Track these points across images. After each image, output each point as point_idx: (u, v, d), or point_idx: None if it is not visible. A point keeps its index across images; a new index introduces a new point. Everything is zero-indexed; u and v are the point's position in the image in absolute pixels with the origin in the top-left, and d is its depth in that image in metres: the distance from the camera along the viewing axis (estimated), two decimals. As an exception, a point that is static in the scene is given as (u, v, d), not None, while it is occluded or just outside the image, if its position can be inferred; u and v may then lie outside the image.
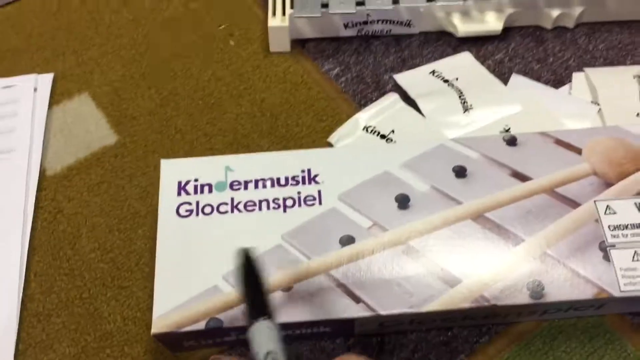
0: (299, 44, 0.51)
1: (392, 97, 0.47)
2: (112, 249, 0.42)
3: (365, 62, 0.50)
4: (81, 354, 0.38)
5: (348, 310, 0.35)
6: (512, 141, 0.40)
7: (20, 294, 0.40)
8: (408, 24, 0.50)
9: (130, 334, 0.39)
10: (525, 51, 0.50)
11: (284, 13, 0.49)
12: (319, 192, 0.38)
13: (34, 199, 0.43)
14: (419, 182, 0.38)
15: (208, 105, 0.48)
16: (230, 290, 0.35)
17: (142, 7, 0.53)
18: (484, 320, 0.37)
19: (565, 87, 0.47)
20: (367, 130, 0.46)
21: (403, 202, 0.38)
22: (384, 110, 0.47)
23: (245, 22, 0.53)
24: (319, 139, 0.46)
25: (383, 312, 0.34)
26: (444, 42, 0.50)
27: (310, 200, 0.38)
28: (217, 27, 0.52)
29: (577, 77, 0.48)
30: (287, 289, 0.35)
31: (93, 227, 0.43)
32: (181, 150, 0.46)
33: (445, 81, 0.48)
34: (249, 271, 0.30)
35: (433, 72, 0.49)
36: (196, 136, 0.46)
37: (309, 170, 0.39)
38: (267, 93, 0.49)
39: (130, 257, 0.41)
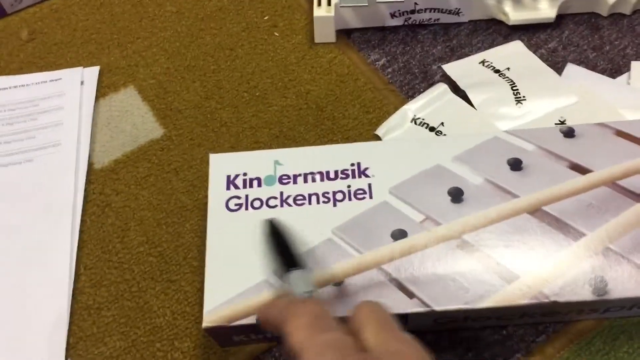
0: (345, 34, 0.50)
1: (441, 88, 0.46)
2: (160, 243, 0.42)
3: (413, 52, 0.49)
4: (131, 348, 0.38)
5: (401, 305, 0.34)
6: (569, 133, 0.38)
7: (71, 287, 0.40)
8: (457, 12, 0.49)
9: (179, 327, 0.38)
10: (580, 39, 0.48)
11: (329, 3, 0.49)
12: (370, 185, 0.37)
13: (82, 192, 0.44)
14: (472, 175, 0.37)
15: (253, 97, 0.48)
16: (279, 285, 0.35)
17: (185, 0, 0.53)
18: (542, 318, 0.36)
19: (624, 77, 0.45)
20: (415, 123, 0.45)
21: (456, 195, 0.36)
22: (433, 102, 0.45)
23: (289, 12, 0.52)
24: (366, 131, 0.45)
25: (437, 308, 0.33)
26: (495, 31, 0.49)
27: (360, 193, 0.37)
28: (261, 18, 0.52)
29: (636, 66, 0.46)
30: (339, 283, 0.34)
31: (141, 220, 0.43)
32: (227, 143, 0.45)
33: (497, 71, 0.46)
34: (275, 234, 0.32)
35: (483, 62, 0.47)
36: (242, 129, 0.46)
37: (358, 164, 0.38)
38: (312, 85, 0.48)
39: (179, 251, 0.41)
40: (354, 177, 0.38)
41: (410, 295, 0.34)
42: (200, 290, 0.39)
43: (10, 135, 0.46)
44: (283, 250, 0.31)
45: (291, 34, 0.51)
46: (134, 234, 0.42)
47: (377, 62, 0.49)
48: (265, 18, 0.52)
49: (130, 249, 0.42)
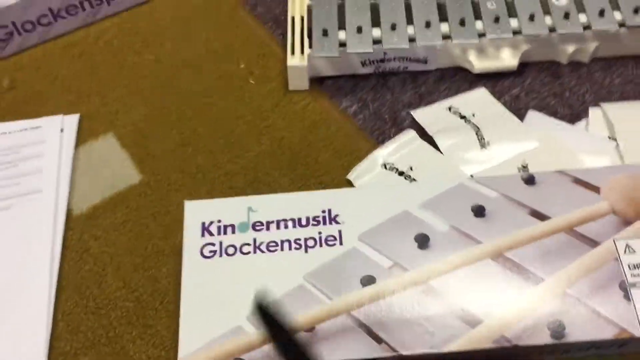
0: (317, 81, 0.52)
1: (410, 134, 0.48)
2: (137, 288, 0.43)
3: (383, 99, 0.51)
4: (107, 394, 0.39)
5: (370, 350, 0.35)
6: (530, 180, 0.40)
7: (49, 335, 0.40)
8: (424, 61, 0.51)
9: (155, 373, 0.39)
10: (541, 86, 0.50)
11: (302, 52, 0.51)
12: (340, 232, 0.39)
13: (61, 238, 0.44)
14: (438, 222, 0.39)
15: (229, 143, 0.49)
16: (253, 331, 0.36)
17: (164, 48, 0.55)
18: (505, 360, 0.37)
19: (582, 123, 0.48)
20: (385, 167, 0.47)
21: (423, 242, 0.38)
22: (402, 147, 0.47)
23: (264, 60, 0.54)
24: (339, 176, 0.47)
25: (404, 352, 0.35)
26: (460, 78, 0.51)
27: (331, 240, 0.39)
28: (237, 65, 0.54)
29: (594, 112, 0.48)
30: (310, 329, 0.36)
31: (118, 266, 0.44)
32: (203, 188, 0.47)
33: (462, 117, 0.48)
34: (271, 318, 0.30)
35: (450, 108, 0.49)
36: (217, 175, 0.47)
37: (329, 211, 0.40)
38: (286, 131, 0.50)
39: (155, 296, 0.42)
40: (324, 223, 0.39)
41: (379, 340, 0.35)
42: (176, 334, 0.40)
43: (-5, 181, 0.47)
44: (283, 339, 0.29)
45: (266, 81, 0.53)
46: (111, 279, 0.43)
47: (348, 109, 0.50)
48: (242, 66, 0.54)
49: (107, 294, 0.42)
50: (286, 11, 0.55)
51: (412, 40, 0.50)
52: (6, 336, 0.40)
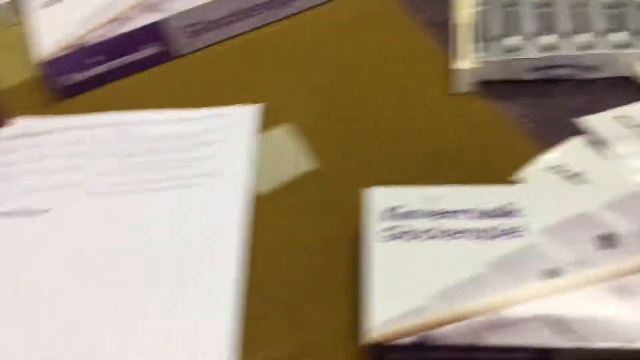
0: (481, 85, 0.54)
1: (579, 140, 0.49)
2: (314, 267, 0.46)
3: (549, 105, 0.52)
4: (290, 358, 0.42)
5: (549, 339, 0.36)
6: None
7: (237, 299, 0.45)
8: (595, 69, 0.52)
9: (335, 345, 0.42)
10: None
11: (466, 56, 0.53)
12: (521, 226, 0.40)
13: (244, 215, 0.49)
14: (624, 223, 0.39)
15: (396, 140, 0.52)
16: (437, 310, 0.38)
17: (336, 49, 0.59)
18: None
19: None
20: (553, 171, 0.48)
21: (608, 240, 0.39)
22: (570, 153, 0.48)
23: (427, 64, 0.57)
24: (502, 177, 0.48)
25: (588, 345, 0.36)
26: (632, 88, 0.51)
27: (512, 233, 0.40)
28: (403, 68, 0.57)
29: None
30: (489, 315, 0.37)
31: (299, 245, 0.47)
32: (374, 179, 0.50)
33: (636, 126, 0.48)
34: None
35: (620, 116, 0.50)
36: (386, 168, 0.50)
37: (510, 204, 0.41)
38: (450, 132, 0.52)
39: (332, 275, 0.45)
40: (506, 216, 0.41)
41: (561, 330, 0.36)
42: (355, 313, 0.43)
43: (181, 162, 0.52)
44: None
45: (429, 84, 0.55)
46: (293, 256, 0.47)
47: (513, 113, 0.52)
48: (406, 69, 0.56)
49: (287, 270, 0.46)
50: (450, 17, 0.57)
51: (583, 47, 0.51)
52: (198, 300, 0.45)
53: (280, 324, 0.44)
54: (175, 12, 0.56)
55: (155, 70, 0.59)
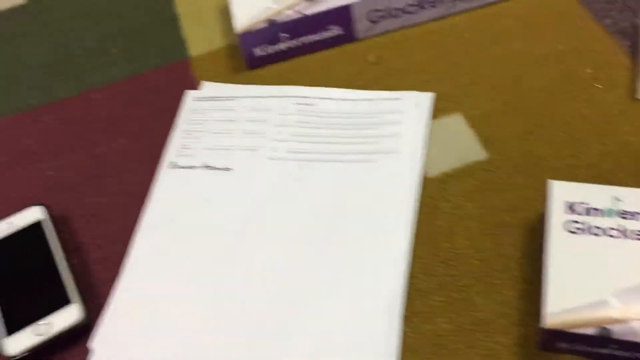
0: (667, 95, 0.53)
1: None
2: (482, 250, 0.47)
3: None
4: (456, 331, 0.44)
5: None
6: None
7: (406, 271, 0.47)
8: None
9: (499, 325, 0.44)
10: None
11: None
12: None
13: (417, 194, 0.51)
14: None
15: (571, 139, 0.52)
16: (619, 306, 0.38)
17: (511, 46, 0.60)
18: None
19: None
20: None
21: None
22: None
23: (610, 68, 0.56)
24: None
25: None
26: None
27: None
28: (583, 69, 0.56)
29: None
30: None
31: (465, 227, 0.49)
32: (546, 174, 0.50)
33: None
34: None
35: None
36: (560, 165, 0.51)
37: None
38: (633, 136, 0.51)
39: (499, 260, 0.47)
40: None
41: None
42: (521, 297, 0.44)
43: (357, 138, 0.56)
44: None
45: (612, 88, 0.55)
46: (459, 238, 0.49)
47: (701, 125, 0.51)
48: (588, 71, 0.56)
49: (455, 250, 0.48)
50: (637, 23, 0.56)
51: None
52: (371, 263, 0.48)
53: (446, 300, 0.46)
54: (364, -3, 0.60)
55: (335, 50, 0.63)
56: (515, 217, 0.49)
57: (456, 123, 0.56)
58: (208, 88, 0.62)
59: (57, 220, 0.55)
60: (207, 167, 0.56)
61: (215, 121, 0.59)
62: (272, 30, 0.61)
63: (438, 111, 0.57)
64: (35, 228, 0.52)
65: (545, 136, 0.53)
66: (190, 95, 0.62)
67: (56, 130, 0.62)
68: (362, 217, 0.50)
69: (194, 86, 0.63)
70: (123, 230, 0.54)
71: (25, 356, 0.46)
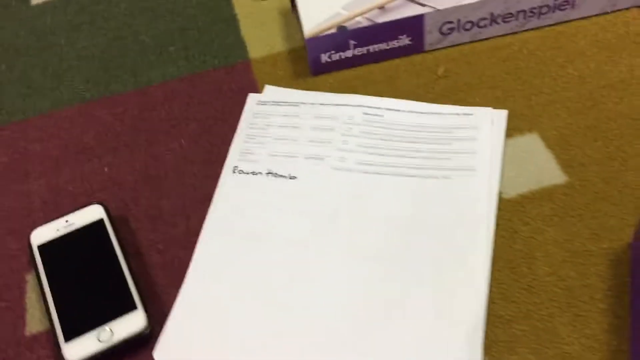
0: None
1: None
2: (566, 278, 0.45)
3: None
4: (541, 364, 0.42)
5: None
6: None
7: (486, 296, 0.45)
8: None
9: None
10: None
11: None
12: None
13: (494, 215, 0.49)
14: None
15: (655, 167, 0.51)
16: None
17: (587, 67, 0.58)
18: None
19: None
20: None
21: None
22: None
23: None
24: None
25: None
26: None
27: None
28: (664, 96, 0.55)
29: None
30: None
31: (547, 253, 0.47)
32: (631, 204, 0.48)
33: None
34: None
35: None
36: (643, 194, 0.49)
37: None
38: None
39: (584, 290, 0.45)
40: None
41: None
42: (610, 332, 0.42)
43: (429, 153, 0.54)
44: None
45: (696, 116, 0.53)
46: (540, 264, 0.47)
47: None
48: (670, 97, 0.55)
49: (537, 276, 0.46)
50: None
51: None
52: (450, 287, 0.46)
53: (529, 329, 0.43)
54: (439, 8, 0.58)
55: (401, 60, 0.61)
56: (599, 246, 0.47)
57: (532, 143, 0.54)
58: (271, 92, 0.61)
59: (116, 220, 0.53)
60: (271, 173, 0.54)
61: (279, 127, 0.57)
62: (342, 36, 0.59)
63: (511, 130, 0.55)
64: (96, 227, 0.50)
65: (629, 163, 0.51)
66: (253, 99, 0.60)
67: (112, 125, 0.61)
68: (438, 236, 0.48)
69: (255, 89, 0.61)
70: (184, 234, 0.52)
71: (85, 363, 0.44)
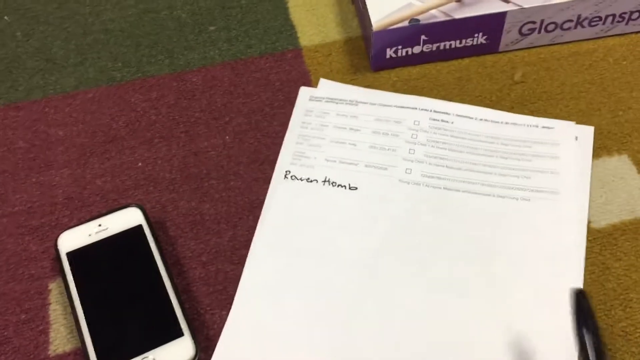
0: None
1: None
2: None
3: None
4: None
5: None
6: None
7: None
8: None
9: None
10: None
11: None
12: None
13: (583, 246, 0.44)
14: None
15: None
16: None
17: (679, 81, 0.53)
18: None
19: None
20: None
21: None
22: None
23: None
24: None
25: None
26: None
27: None
28: None
29: None
30: None
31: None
32: None
33: None
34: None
35: None
36: None
37: None
38: None
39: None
40: None
41: None
42: None
43: (506, 169, 0.48)
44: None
45: None
46: (637, 306, 0.42)
47: None
48: None
49: (633, 321, 0.41)
50: None
51: None
52: (537, 328, 0.41)
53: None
54: (525, 6, 0.52)
55: (472, 60, 0.55)
56: (693, 290, 0.42)
57: (622, 166, 0.48)
58: (326, 87, 0.54)
59: (153, 225, 0.47)
60: (329, 182, 0.48)
61: (336, 128, 0.51)
62: (413, 30, 0.53)
63: (599, 149, 0.49)
64: (134, 234, 0.43)
65: None
66: (305, 93, 0.54)
67: (146, 113, 0.54)
68: (521, 266, 0.43)
69: (307, 81, 0.55)
70: (231, 245, 0.46)
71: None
